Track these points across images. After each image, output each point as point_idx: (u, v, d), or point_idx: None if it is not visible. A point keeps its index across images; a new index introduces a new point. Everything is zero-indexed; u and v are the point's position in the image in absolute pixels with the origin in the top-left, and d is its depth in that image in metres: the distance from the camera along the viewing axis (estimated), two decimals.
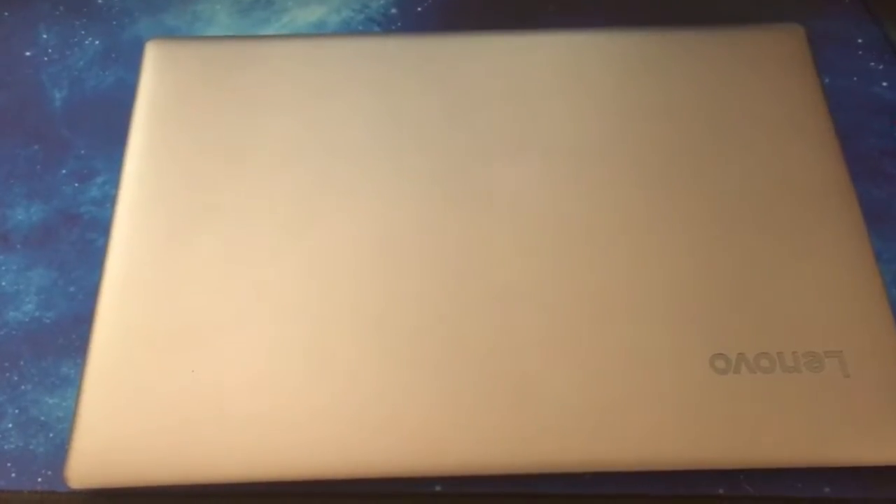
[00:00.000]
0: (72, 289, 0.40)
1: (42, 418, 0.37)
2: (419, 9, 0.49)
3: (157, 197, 0.37)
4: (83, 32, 0.48)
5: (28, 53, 0.47)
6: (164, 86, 0.40)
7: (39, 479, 0.35)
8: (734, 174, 0.38)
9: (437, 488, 0.35)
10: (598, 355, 0.34)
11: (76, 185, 0.43)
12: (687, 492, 0.35)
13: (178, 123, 0.39)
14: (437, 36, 0.43)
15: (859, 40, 0.47)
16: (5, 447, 0.36)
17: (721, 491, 0.35)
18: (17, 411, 0.37)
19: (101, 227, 0.41)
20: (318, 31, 0.48)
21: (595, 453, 0.32)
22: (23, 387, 0.37)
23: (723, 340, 0.34)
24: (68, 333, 0.38)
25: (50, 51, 0.47)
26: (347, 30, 0.48)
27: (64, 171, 0.43)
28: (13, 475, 0.35)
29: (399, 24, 0.49)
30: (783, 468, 0.33)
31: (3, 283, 0.40)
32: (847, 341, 0.34)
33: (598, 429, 0.32)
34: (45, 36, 0.48)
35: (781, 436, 0.32)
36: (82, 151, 0.44)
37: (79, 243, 0.41)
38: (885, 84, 0.45)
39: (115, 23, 0.48)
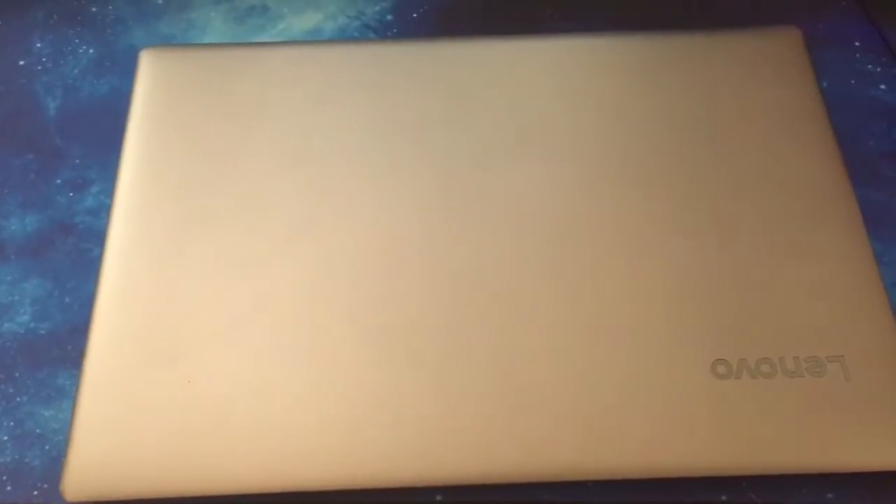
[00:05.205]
0: (67, 299, 0.39)
1: (38, 430, 0.36)
2: (415, 15, 0.49)
3: (152, 206, 0.37)
4: (77, 41, 0.48)
5: (22, 62, 0.47)
6: (159, 94, 0.40)
7: (35, 493, 0.35)
8: (733, 178, 0.38)
9: (438, 498, 0.35)
10: (599, 362, 0.33)
11: (71, 194, 0.42)
12: (690, 499, 0.34)
13: (172, 132, 0.39)
14: (433, 42, 0.43)
15: (857, 43, 0.47)
16: (1, 460, 0.36)
17: (724, 498, 0.34)
18: (12, 423, 0.37)
19: (96, 236, 0.41)
20: (313, 39, 0.48)
21: (597, 461, 0.32)
22: (18, 399, 0.37)
23: (724, 346, 0.34)
24: (64, 344, 0.38)
25: (44, 59, 0.47)
26: (343, 37, 0.48)
27: (58, 181, 0.43)
28: (9, 488, 0.35)
29: (395, 30, 0.48)
30: (786, 474, 0.33)
31: None
32: (848, 345, 0.34)
33: (599, 436, 0.32)
34: (39, 45, 0.48)
35: (784, 442, 0.32)
36: (77, 161, 0.43)
37: (74, 253, 0.41)
38: (883, 87, 0.45)
39: (109, 31, 0.48)
